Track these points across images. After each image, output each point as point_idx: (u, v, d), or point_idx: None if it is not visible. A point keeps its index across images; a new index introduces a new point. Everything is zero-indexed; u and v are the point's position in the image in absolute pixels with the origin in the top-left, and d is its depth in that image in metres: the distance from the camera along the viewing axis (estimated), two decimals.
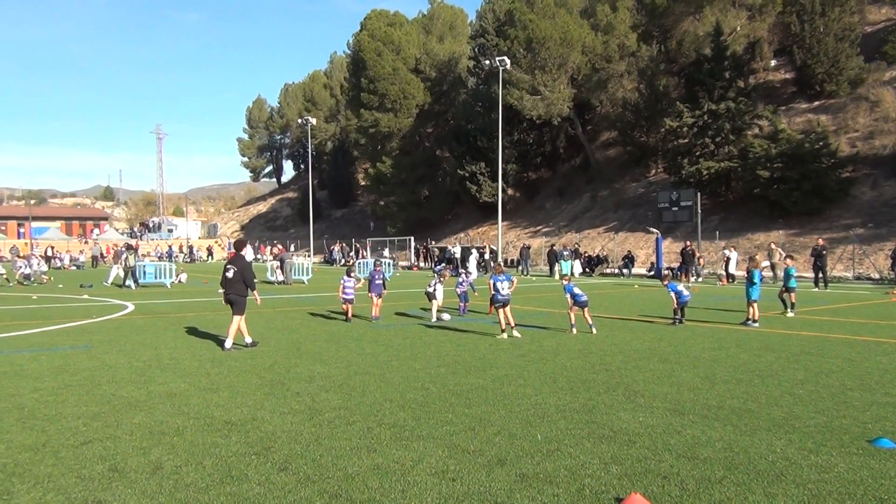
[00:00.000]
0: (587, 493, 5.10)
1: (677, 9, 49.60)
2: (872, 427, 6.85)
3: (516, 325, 13.73)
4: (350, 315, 16.20)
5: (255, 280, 12.82)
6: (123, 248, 33.94)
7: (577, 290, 14.21)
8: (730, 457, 5.92)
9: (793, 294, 17.55)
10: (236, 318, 12.15)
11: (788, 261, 18.72)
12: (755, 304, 15.44)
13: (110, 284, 29.99)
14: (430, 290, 16.94)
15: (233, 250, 13.19)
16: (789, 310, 17.36)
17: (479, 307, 19.24)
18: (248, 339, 12.30)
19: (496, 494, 5.08)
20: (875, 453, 6.03)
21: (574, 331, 13.93)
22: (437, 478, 5.43)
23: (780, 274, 31.46)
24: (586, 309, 14.06)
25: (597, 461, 5.82)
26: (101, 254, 56.58)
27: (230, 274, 12.26)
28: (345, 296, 16.12)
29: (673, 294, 15.38)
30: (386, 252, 54.42)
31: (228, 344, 12.01)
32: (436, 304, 16.70)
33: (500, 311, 13.47)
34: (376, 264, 17.52)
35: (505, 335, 13.27)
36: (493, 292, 13.64)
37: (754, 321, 15.27)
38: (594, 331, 13.80)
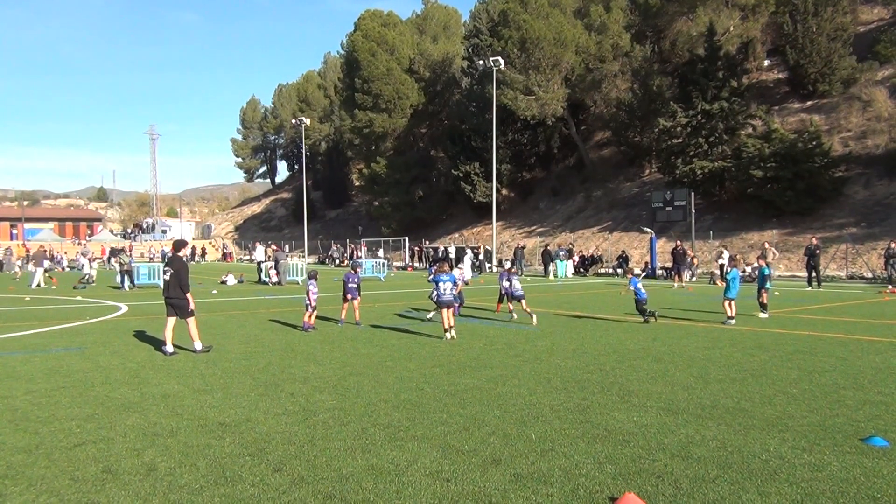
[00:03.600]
0: (581, 493, 5.11)
1: (671, 9, 49.72)
2: (865, 425, 6.88)
3: (452, 326, 13.42)
4: (311, 322, 14.89)
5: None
6: (114, 251, 34.11)
7: (442, 286, 13.47)
8: (724, 456, 5.93)
9: (765, 294, 17.08)
10: (190, 320, 11.59)
11: (761, 261, 18.02)
12: (732, 303, 15.54)
13: (34, 287, 29.83)
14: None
15: (173, 250, 12.34)
16: (762, 311, 16.95)
17: (487, 306, 19.24)
18: (198, 345, 11.79)
19: (490, 494, 5.08)
20: (868, 452, 6.05)
21: (451, 333, 13.28)
22: (432, 478, 5.43)
23: (774, 273, 31.65)
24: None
25: (591, 461, 5.82)
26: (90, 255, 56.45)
27: (167, 276, 11.64)
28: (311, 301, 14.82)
29: (632, 288, 15.75)
30: (381, 252, 54.40)
31: (198, 346, 11.65)
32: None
33: (444, 311, 13.31)
34: (354, 268, 16.49)
35: (448, 335, 13.09)
36: (436, 292, 13.53)
37: (730, 318, 15.37)
38: (453, 334, 13.29)
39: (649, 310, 15.83)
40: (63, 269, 51.55)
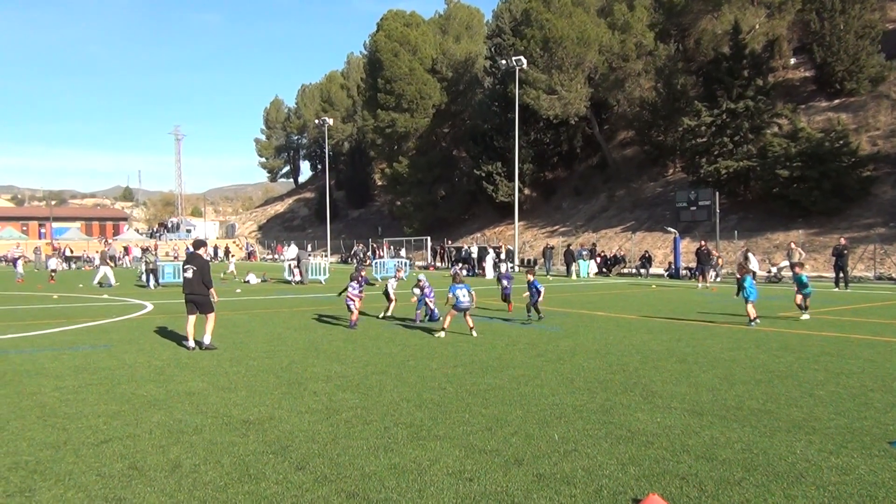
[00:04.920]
0: (605, 494, 5.08)
1: (695, 7, 49.28)
2: (894, 429, 6.77)
3: (472, 327, 13.54)
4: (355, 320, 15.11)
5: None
6: (142, 250, 34.88)
7: (459, 293, 13.52)
8: (749, 458, 5.87)
9: (804, 297, 16.43)
10: (210, 316, 12.13)
11: (797, 269, 17.29)
12: (754, 305, 15.29)
13: (95, 284, 30.32)
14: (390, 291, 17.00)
15: (191, 249, 13.10)
16: (803, 312, 16.43)
17: (500, 307, 19.22)
18: (208, 339, 12.07)
19: (513, 495, 5.07)
20: None
21: (443, 334, 13.41)
22: (454, 478, 5.43)
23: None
24: (467, 313, 13.52)
25: (614, 462, 5.79)
26: (115, 255, 57.42)
27: (189, 274, 12.15)
28: (349, 301, 15.23)
29: (533, 290, 15.66)
30: (403, 252, 54.50)
31: (207, 339, 12.01)
32: (392, 305, 16.99)
33: (453, 314, 13.52)
34: (359, 268, 16.73)
35: (443, 334, 13.31)
36: (454, 300, 13.53)
37: (753, 321, 15.12)
38: (474, 334, 13.36)
39: (541, 314, 15.75)
40: (95, 266, 52.34)
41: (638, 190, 52.46)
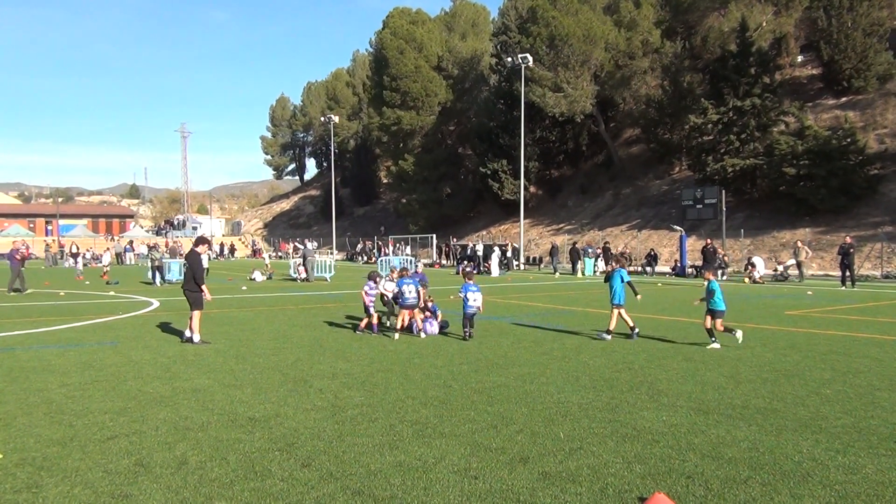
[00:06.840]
0: (610, 493, 5.07)
1: (702, 4, 49.18)
2: None
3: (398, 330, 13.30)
4: (364, 326, 13.80)
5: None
6: (147, 247, 35.00)
7: (405, 289, 13.03)
8: (755, 457, 5.85)
9: (717, 320, 11.68)
10: (195, 312, 12.39)
11: (709, 274, 12.43)
12: (617, 311, 12.93)
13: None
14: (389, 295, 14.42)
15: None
16: (713, 340, 11.72)
17: (514, 303, 19.18)
18: (196, 337, 12.37)
19: (518, 492, 5.06)
20: None
21: (397, 335, 13.12)
22: (460, 475, 5.43)
23: (807, 272, 31.18)
24: (414, 312, 13.27)
25: (620, 460, 5.78)
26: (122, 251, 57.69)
27: (185, 269, 12.59)
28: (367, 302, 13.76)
29: (461, 296, 13.01)
30: (408, 249, 54.47)
31: (196, 338, 12.31)
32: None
33: (406, 312, 13.32)
34: (372, 278, 14.79)
35: (397, 335, 13.09)
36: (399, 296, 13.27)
37: (608, 332, 12.78)
38: (422, 335, 13.13)
39: (470, 330, 12.84)
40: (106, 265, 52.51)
41: (644, 188, 52.37)
